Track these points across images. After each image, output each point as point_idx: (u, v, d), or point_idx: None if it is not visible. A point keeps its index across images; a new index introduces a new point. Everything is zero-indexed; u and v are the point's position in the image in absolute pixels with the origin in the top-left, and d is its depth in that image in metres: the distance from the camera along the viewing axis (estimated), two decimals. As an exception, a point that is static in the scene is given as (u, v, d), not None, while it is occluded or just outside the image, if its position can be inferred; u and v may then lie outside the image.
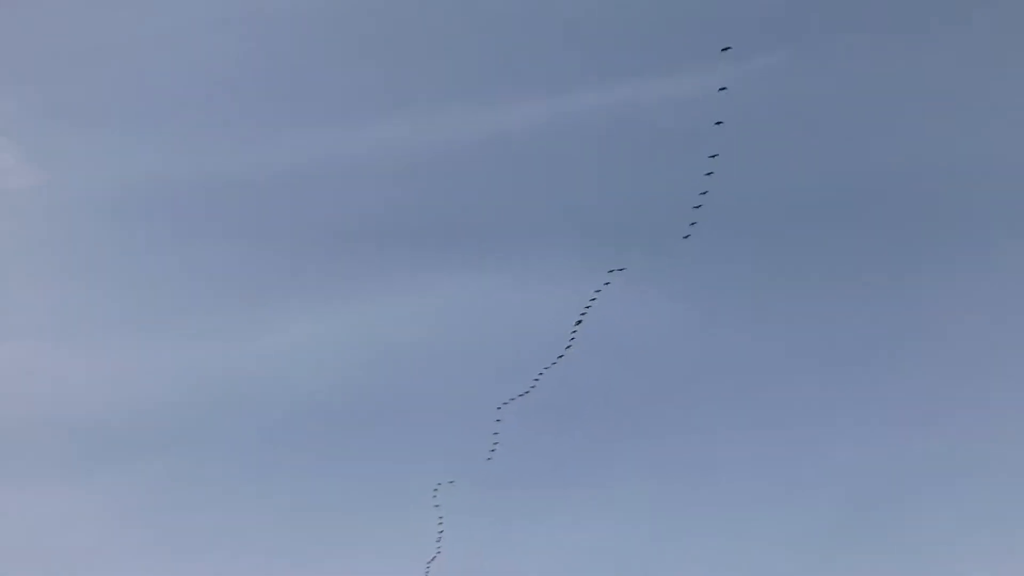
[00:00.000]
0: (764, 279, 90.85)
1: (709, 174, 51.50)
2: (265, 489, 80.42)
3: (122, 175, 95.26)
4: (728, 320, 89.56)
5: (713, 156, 50.93)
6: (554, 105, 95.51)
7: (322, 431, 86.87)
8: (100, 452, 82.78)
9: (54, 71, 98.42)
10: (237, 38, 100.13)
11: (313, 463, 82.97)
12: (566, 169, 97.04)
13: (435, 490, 63.21)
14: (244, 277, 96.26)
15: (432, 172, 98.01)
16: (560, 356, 60.21)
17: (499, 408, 63.41)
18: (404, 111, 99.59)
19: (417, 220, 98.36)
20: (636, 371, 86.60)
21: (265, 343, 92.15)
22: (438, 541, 62.26)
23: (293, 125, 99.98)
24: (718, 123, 50.83)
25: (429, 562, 62.50)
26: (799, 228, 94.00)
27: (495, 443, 63.25)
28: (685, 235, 55.27)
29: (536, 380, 61.40)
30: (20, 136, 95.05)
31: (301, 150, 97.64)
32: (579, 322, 58.04)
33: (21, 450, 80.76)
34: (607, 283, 56.57)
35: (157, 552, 74.03)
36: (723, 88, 49.37)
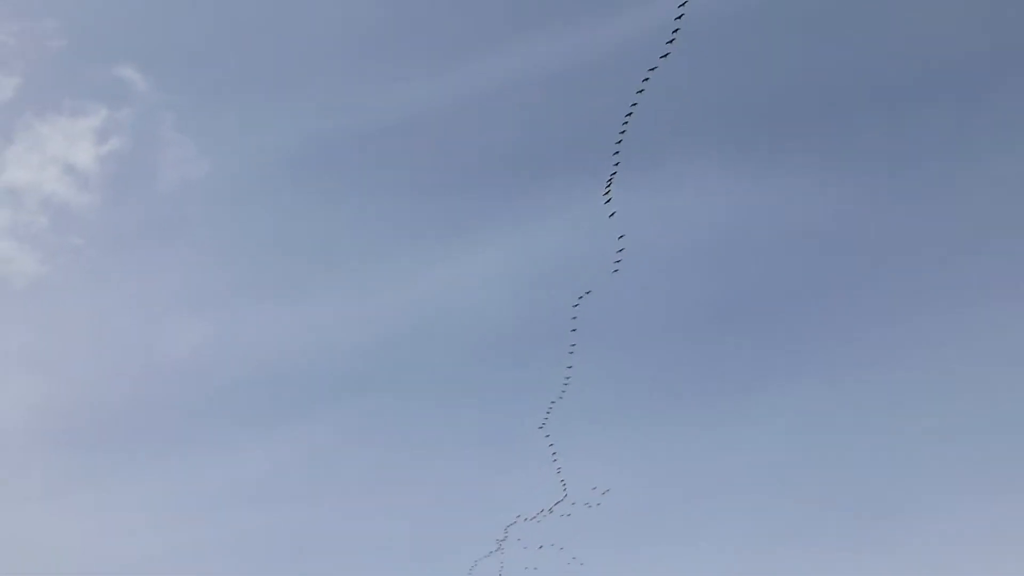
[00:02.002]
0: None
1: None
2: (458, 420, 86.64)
3: (276, 143, 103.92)
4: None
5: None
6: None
7: (506, 357, 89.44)
8: (306, 398, 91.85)
9: (203, 57, 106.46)
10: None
11: (501, 389, 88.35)
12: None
13: None
14: (400, 221, 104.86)
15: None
16: None
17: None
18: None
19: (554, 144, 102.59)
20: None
21: (432, 281, 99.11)
22: None
23: (426, 69, 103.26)
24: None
25: None
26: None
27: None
28: None
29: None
30: (190, 129, 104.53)
31: (432, 94, 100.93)
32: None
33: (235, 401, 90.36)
34: None
35: (364, 486, 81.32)
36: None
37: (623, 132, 47.67)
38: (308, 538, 78.08)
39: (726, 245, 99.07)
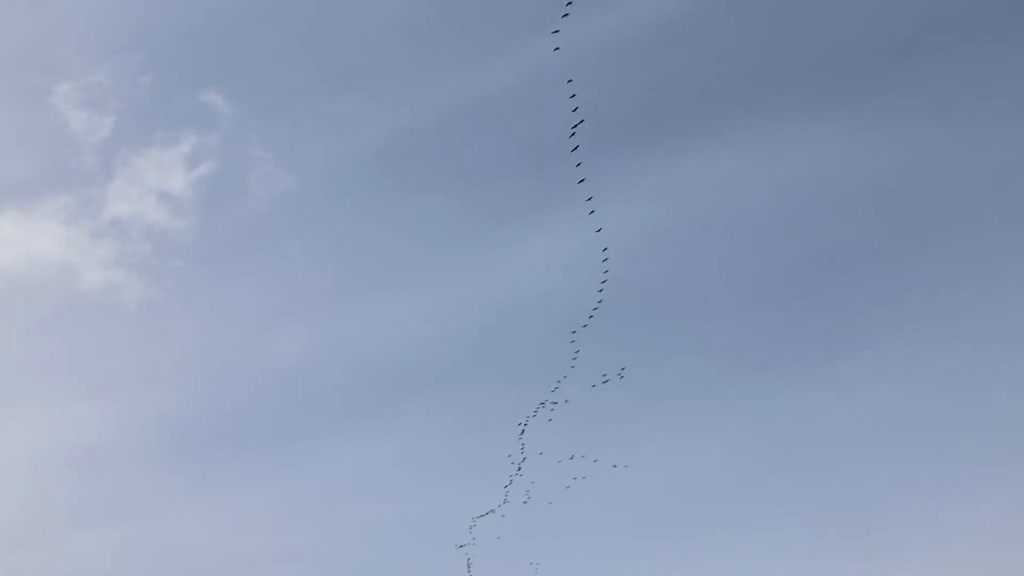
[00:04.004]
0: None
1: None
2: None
3: (354, 146, 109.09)
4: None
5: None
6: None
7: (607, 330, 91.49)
8: (410, 389, 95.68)
9: (276, 73, 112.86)
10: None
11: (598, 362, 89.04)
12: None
13: None
14: (484, 205, 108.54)
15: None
16: None
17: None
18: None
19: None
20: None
21: (523, 262, 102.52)
22: None
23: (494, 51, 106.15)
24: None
25: None
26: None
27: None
28: None
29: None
30: (273, 145, 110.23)
31: (501, 74, 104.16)
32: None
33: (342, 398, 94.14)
34: None
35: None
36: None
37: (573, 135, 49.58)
38: (421, 526, 79.93)
39: (809, 202, 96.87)
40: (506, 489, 60.60)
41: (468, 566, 60.70)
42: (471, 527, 61.10)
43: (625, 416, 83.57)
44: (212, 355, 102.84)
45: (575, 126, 50.73)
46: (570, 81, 50.70)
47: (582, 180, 53.39)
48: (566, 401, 60.05)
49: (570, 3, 49.71)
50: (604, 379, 61.52)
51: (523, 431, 60.12)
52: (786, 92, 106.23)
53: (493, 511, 60.55)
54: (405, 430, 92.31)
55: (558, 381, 60.06)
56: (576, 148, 51.39)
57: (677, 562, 73.09)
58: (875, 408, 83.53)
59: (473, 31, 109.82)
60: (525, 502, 61.02)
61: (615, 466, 64.54)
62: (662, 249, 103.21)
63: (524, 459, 60.25)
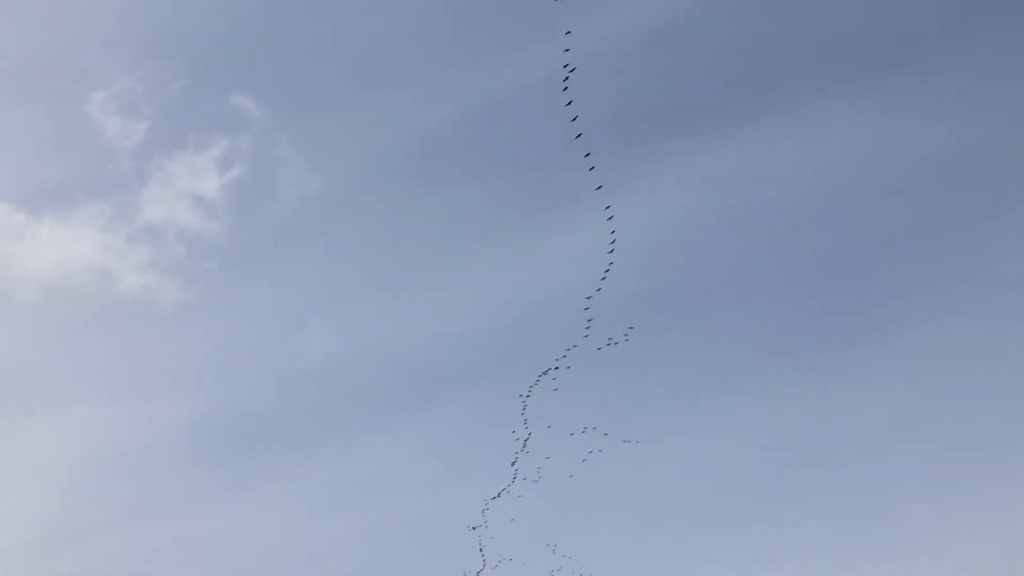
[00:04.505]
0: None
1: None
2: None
3: (381, 144, 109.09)
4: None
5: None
6: None
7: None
8: (443, 384, 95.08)
9: (304, 74, 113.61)
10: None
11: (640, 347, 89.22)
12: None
13: None
14: (512, 199, 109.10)
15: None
16: None
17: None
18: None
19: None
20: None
21: (553, 254, 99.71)
22: None
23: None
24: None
25: None
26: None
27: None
28: None
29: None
30: (302, 146, 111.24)
31: (527, 66, 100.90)
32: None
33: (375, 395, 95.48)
34: None
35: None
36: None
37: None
38: (448, 519, 79.81)
39: (843, 187, 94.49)
40: (514, 467, 59.63)
41: (480, 549, 60.05)
42: (484, 510, 60.36)
43: (637, 392, 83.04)
44: (245, 354, 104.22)
45: (569, 103, 49.84)
46: (567, 50, 49.41)
47: (599, 187, 52.93)
48: (568, 367, 58.43)
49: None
50: (610, 342, 59.81)
51: (525, 405, 59.04)
52: (815, 76, 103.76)
53: (504, 491, 59.68)
54: (436, 424, 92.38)
55: (567, 349, 58.58)
56: (579, 135, 50.58)
57: (697, 542, 72.08)
58: (917, 396, 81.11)
59: (496, 26, 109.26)
60: (536, 480, 60.00)
61: (626, 441, 62.93)
62: (694, 239, 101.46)
63: (529, 434, 59.18)
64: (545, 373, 59.27)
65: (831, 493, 76.53)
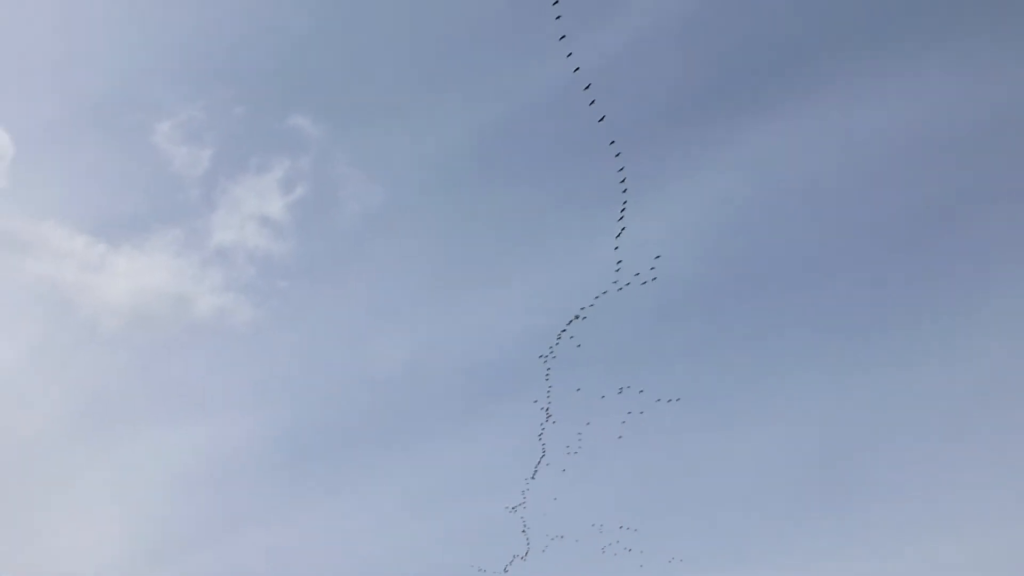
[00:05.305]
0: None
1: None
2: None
3: (437, 148, 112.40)
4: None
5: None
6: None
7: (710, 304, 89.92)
8: (517, 381, 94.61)
9: (357, 89, 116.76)
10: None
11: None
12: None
13: None
14: (576, 189, 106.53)
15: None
16: None
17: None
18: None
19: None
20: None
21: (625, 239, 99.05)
22: None
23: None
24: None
25: None
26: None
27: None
28: None
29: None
30: (361, 160, 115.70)
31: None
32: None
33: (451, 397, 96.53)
34: None
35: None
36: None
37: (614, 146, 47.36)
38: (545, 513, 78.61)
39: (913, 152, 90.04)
40: (540, 440, 57.18)
41: (523, 531, 58.23)
42: (524, 490, 58.49)
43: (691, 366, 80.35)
44: (320, 367, 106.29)
45: (576, 70, 49.03)
46: (558, 17, 48.58)
47: (623, 181, 51.47)
48: (584, 318, 55.51)
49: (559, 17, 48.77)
50: (638, 278, 56.75)
51: (548, 369, 56.55)
52: (878, 41, 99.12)
53: (537, 465, 57.55)
54: (515, 422, 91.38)
55: (596, 297, 55.88)
56: (602, 118, 49.65)
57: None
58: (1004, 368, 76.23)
59: (543, 23, 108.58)
60: (575, 452, 57.65)
61: (658, 400, 59.92)
62: (766, 216, 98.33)
63: (550, 402, 56.86)
64: (569, 323, 56.85)
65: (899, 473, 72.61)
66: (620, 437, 59.37)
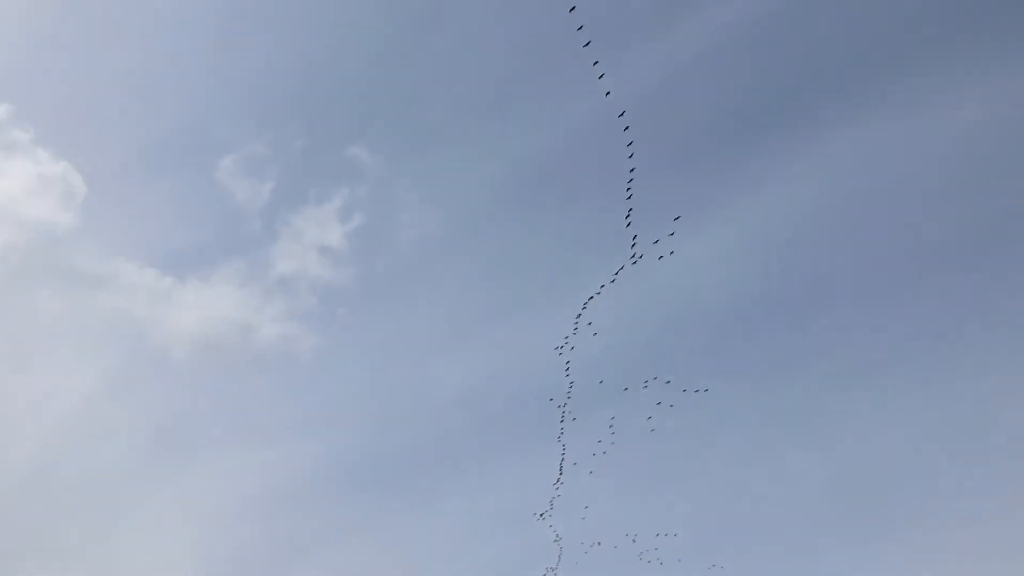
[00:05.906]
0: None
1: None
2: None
3: (492, 173, 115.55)
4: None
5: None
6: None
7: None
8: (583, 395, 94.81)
9: (411, 118, 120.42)
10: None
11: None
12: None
13: None
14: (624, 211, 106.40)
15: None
16: None
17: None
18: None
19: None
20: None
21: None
22: None
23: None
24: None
25: None
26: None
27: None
28: None
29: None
30: (418, 187, 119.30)
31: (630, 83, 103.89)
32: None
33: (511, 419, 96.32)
34: None
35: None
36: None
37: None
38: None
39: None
40: (560, 441, 55.10)
41: (556, 540, 56.30)
42: (554, 498, 56.75)
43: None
44: (383, 392, 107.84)
45: (608, 94, 48.56)
46: (578, 23, 48.16)
47: (630, 186, 50.33)
48: (612, 282, 53.38)
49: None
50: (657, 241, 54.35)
51: (568, 363, 54.93)
52: (952, 40, 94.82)
53: (560, 465, 55.78)
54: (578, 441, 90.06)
55: (616, 272, 53.76)
56: (623, 113, 48.80)
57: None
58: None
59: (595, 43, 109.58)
60: (604, 453, 55.68)
61: (685, 390, 57.44)
62: (835, 223, 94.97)
63: (570, 396, 55.01)
64: (591, 299, 55.44)
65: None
66: (652, 430, 57.52)
